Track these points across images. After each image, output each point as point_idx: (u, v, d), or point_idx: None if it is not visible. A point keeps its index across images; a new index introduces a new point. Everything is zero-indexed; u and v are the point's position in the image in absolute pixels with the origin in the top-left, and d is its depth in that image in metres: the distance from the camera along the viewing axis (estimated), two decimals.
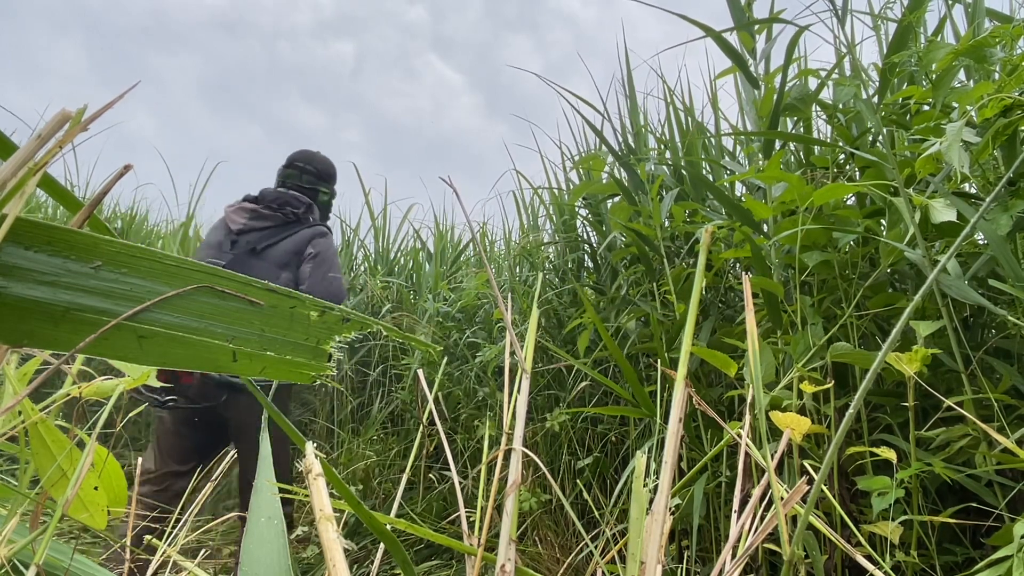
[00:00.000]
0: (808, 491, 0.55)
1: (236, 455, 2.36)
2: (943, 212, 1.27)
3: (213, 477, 0.98)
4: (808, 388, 1.34)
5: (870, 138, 1.84)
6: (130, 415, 0.96)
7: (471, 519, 0.68)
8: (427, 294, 3.91)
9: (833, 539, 0.64)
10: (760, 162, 2.06)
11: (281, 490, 0.57)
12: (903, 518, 1.26)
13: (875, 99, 1.84)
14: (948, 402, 1.06)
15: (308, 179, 2.62)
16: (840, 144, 1.84)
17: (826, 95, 2.10)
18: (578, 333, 2.47)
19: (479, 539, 0.63)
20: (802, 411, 1.48)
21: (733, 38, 2.00)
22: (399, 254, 4.69)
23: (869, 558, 1.26)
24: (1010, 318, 1.30)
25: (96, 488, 0.63)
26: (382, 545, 0.61)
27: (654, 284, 2.26)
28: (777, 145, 2.01)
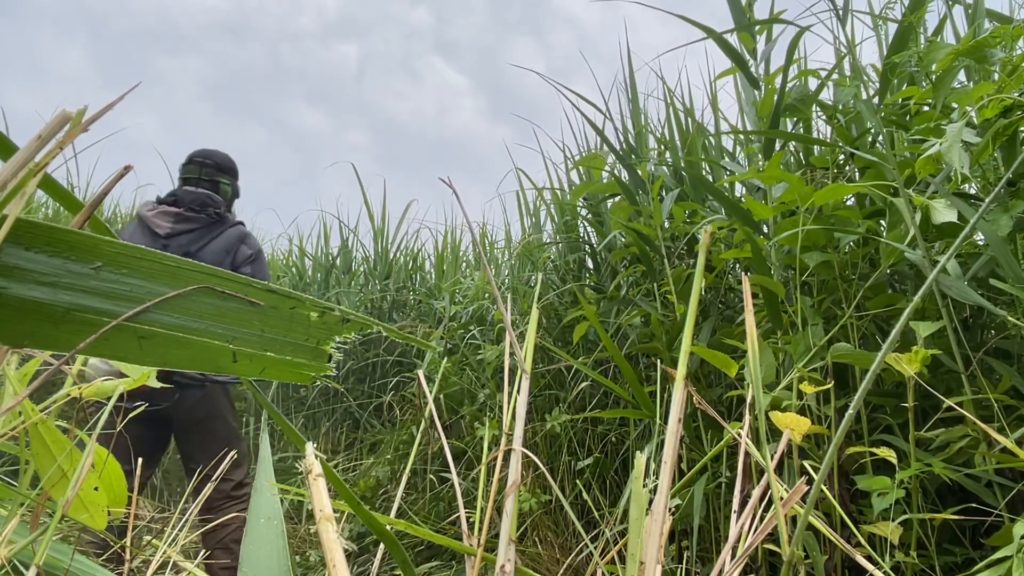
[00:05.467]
0: (808, 491, 0.55)
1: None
2: (943, 213, 1.27)
3: (213, 478, 0.98)
4: (808, 388, 1.34)
5: (870, 139, 1.84)
6: (130, 415, 0.96)
7: (471, 520, 0.68)
8: (439, 294, 3.92)
9: (833, 539, 0.65)
10: (760, 163, 2.06)
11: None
12: (903, 518, 1.26)
13: (875, 100, 1.84)
14: (948, 402, 1.06)
15: (208, 172, 2.63)
16: (840, 145, 1.84)
17: (826, 96, 2.10)
18: (577, 323, 2.45)
19: (479, 539, 0.63)
20: (802, 411, 1.48)
21: (734, 39, 2.00)
22: (399, 254, 4.69)
23: (869, 558, 1.26)
24: (1010, 318, 1.30)
25: (96, 488, 0.63)
26: (382, 545, 0.61)
27: (654, 284, 2.26)
28: (777, 145, 2.01)
